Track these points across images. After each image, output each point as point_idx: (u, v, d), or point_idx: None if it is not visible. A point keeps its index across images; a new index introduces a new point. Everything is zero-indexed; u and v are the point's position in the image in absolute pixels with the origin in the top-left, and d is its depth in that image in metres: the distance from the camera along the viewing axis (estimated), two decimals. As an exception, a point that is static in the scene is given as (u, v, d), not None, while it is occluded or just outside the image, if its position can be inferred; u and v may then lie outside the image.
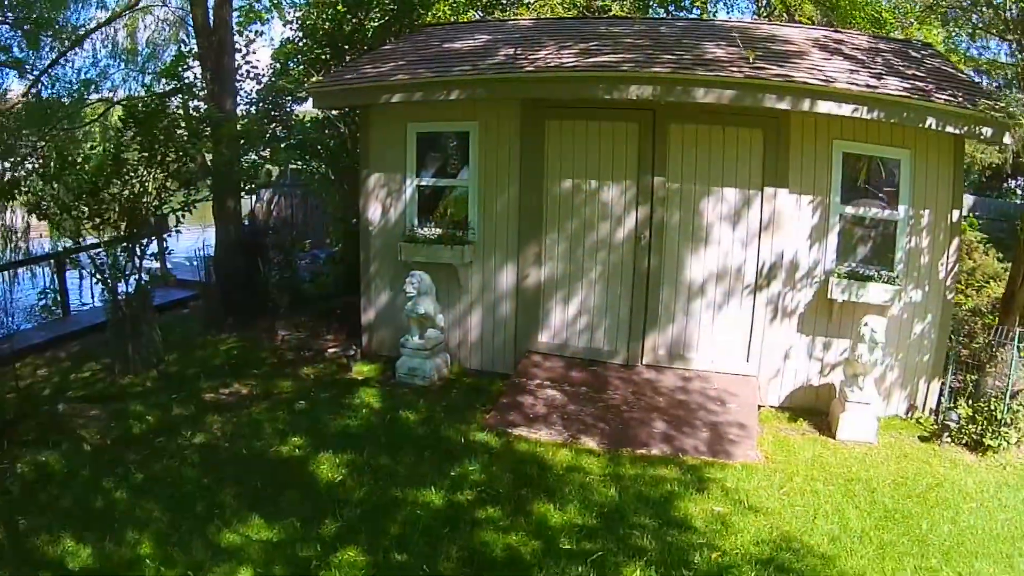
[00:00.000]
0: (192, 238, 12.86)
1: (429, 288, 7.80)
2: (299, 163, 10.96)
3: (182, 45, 10.27)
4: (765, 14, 14.26)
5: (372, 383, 8.00)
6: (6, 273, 12.62)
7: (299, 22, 11.25)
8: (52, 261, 11.85)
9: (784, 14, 13.25)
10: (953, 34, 12.59)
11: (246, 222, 11.89)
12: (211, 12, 10.18)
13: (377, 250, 8.73)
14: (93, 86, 12.20)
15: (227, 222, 10.40)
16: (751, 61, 7.16)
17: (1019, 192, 20.32)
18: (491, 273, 8.34)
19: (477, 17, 12.67)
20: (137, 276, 8.68)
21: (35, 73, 10.10)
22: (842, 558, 4.91)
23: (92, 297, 12.46)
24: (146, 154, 8.32)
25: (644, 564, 4.74)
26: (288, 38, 11.45)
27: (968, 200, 16.76)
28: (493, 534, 5.09)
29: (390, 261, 8.59)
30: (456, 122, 8.29)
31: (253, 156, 9.88)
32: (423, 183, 8.53)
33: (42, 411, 7.31)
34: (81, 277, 11.92)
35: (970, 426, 6.84)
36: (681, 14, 14.34)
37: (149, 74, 10.26)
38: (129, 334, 8.54)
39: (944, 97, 6.82)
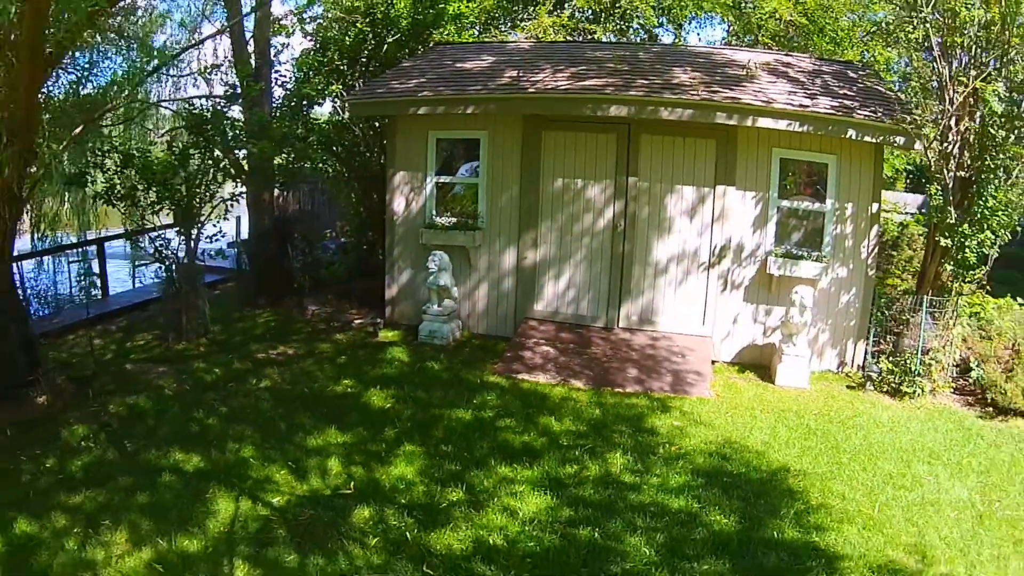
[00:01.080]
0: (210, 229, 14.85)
1: (447, 265, 9.92)
2: (321, 162, 12.93)
3: (250, 61, 12.09)
4: (736, 32, 16.44)
5: (398, 344, 10.08)
6: (48, 258, 14.57)
7: (319, 36, 13.21)
8: (95, 246, 13.86)
9: (752, 34, 15.42)
10: (893, 53, 14.82)
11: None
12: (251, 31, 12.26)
13: (400, 236, 10.83)
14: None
15: (262, 213, 12.45)
16: (747, 75, 9.42)
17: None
18: (496, 254, 10.46)
19: (476, 33, 14.77)
20: (190, 257, 10.69)
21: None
22: (771, 455, 7.03)
23: (132, 280, 14.48)
24: (201, 151, 10.36)
25: (622, 452, 6.87)
26: (307, 49, 13.37)
27: (917, 199, 19.12)
28: (511, 435, 7.21)
29: (412, 245, 10.69)
30: (469, 131, 10.41)
31: (287, 154, 11.74)
32: (441, 180, 10.65)
33: (112, 370, 9.29)
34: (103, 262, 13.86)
35: (890, 377, 8.94)
36: (659, 31, 16.57)
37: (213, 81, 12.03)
38: (183, 307, 10.56)
39: (865, 113, 9.00)
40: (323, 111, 13.67)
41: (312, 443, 7.06)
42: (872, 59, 14.55)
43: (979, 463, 7.05)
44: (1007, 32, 8.50)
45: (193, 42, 14.41)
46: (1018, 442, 7.62)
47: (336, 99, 12.78)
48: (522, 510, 5.85)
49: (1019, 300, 9.92)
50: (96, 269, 13.49)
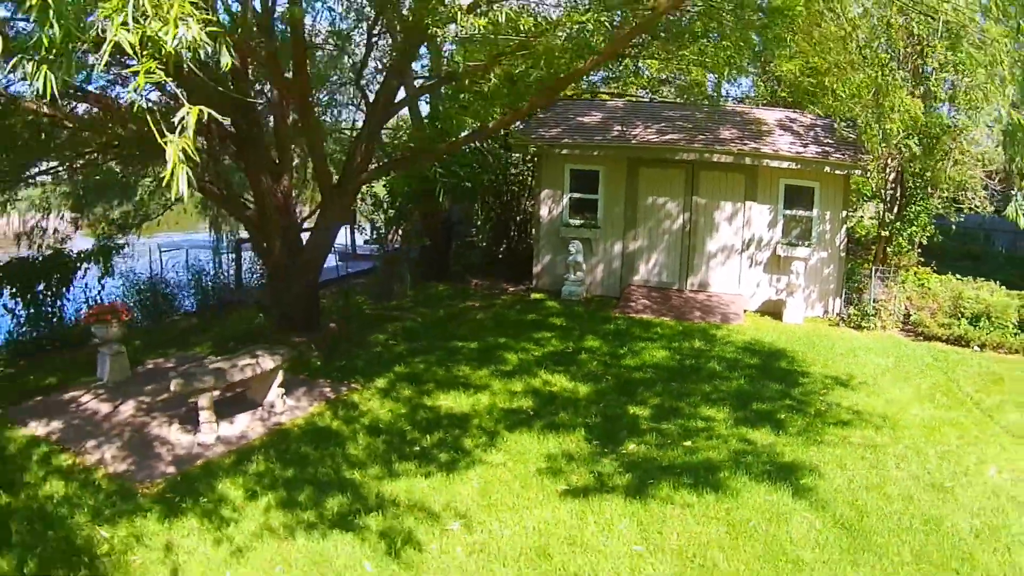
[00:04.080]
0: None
1: (580, 249, 17.80)
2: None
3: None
4: (759, 86, 24.38)
5: (547, 300, 17.92)
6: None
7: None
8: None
9: (769, 96, 23.38)
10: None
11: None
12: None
13: (544, 232, 18.77)
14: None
15: (433, 217, 20.47)
16: (766, 131, 17.44)
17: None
18: (608, 244, 18.37)
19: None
20: (405, 240, 18.65)
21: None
22: (777, 344, 14.72)
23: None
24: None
25: (698, 340, 14.74)
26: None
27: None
28: (639, 331, 15.09)
29: (552, 238, 18.61)
30: (592, 165, 18.33)
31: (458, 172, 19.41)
32: (573, 196, 18.63)
33: (356, 315, 17.11)
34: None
35: (855, 317, 16.69)
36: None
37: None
38: (392, 276, 18.50)
39: (837, 156, 16.86)
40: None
41: (535, 335, 14.93)
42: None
43: (898, 353, 14.69)
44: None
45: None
46: (927, 348, 15.24)
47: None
48: (655, 355, 13.74)
49: (956, 277, 17.62)
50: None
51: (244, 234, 19.72)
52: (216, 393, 10.97)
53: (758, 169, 17.39)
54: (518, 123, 18.71)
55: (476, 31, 10.07)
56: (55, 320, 16.96)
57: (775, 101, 22.04)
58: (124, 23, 4.37)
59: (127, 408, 12.33)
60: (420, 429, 10.58)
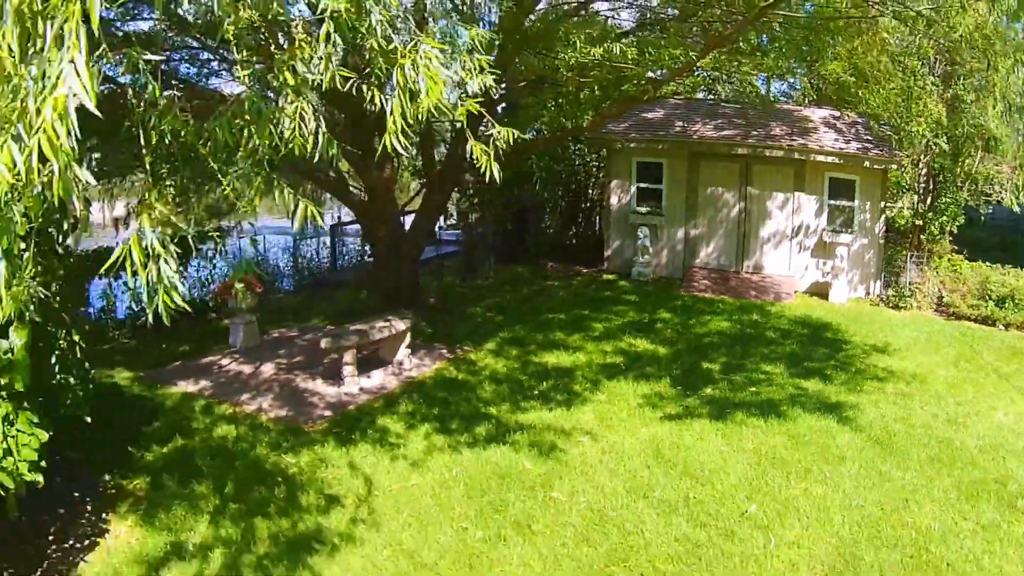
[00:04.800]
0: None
1: (647, 235, 20.72)
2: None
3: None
4: (806, 90, 27.05)
5: (618, 281, 20.89)
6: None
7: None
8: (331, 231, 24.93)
9: (815, 94, 26.05)
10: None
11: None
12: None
13: (613, 219, 21.71)
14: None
15: (517, 202, 23.37)
16: (812, 127, 20.22)
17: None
18: (672, 230, 21.26)
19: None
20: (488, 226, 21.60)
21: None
22: (824, 319, 17.48)
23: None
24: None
25: (756, 314, 17.62)
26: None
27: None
28: (703, 307, 18.01)
29: (621, 224, 21.53)
30: (656, 158, 21.23)
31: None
32: (640, 186, 21.52)
33: (450, 292, 20.09)
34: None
35: (893, 298, 19.52)
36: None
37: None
38: (476, 257, 21.46)
39: (876, 152, 19.62)
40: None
41: (614, 308, 17.89)
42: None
43: (930, 329, 17.40)
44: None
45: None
46: (956, 326, 17.86)
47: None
48: (720, 325, 16.63)
49: (986, 264, 20.24)
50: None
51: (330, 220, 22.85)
52: (356, 351, 13.75)
53: (806, 163, 20.13)
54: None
55: (593, 57, 13.04)
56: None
57: (820, 99, 24.72)
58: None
59: (267, 368, 14.97)
60: (534, 378, 13.52)
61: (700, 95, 24.99)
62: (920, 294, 19.19)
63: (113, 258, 4.45)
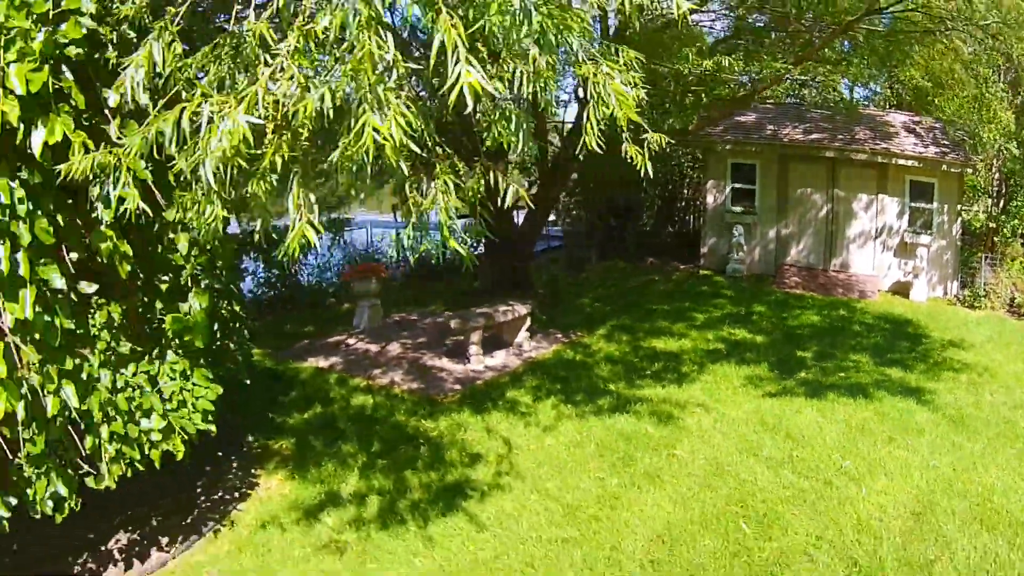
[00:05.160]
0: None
1: (742, 233, 22.57)
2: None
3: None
4: (886, 95, 28.59)
5: (713, 277, 22.77)
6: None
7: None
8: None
9: (895, 99, 27.61)
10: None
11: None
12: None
13: (709, 218, 23.61)
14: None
15: (619, 200, 25.33)
16: (893, 132, 21.94)
17: None
18: (764, 228, 23.08)
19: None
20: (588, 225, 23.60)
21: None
22: (905, 316, 19.14)
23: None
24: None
25: (843, 309, 19.41)
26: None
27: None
28: (794, 302, 19.87)
29: (716, 223, 23.41)
30: (750, 160, 23.08)
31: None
32: (734, 186, 23.36)
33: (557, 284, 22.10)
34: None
35: (968, 298, 21.11)
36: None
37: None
38: (579, 254, 23.47)
39: (952, 156, 21.11)
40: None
41: (713, 301, 19.83)
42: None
43: (1002, 328, 18.75)
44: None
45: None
46: None
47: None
48: (810, 319, 18.47)
49: None
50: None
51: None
52: (482, 332, 15.75)
53: (888, 166, 21.72)
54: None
55: (703, 69, 15.04)
56: (288, 282, 21.40)
57: (899, 104, 26.28)
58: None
59: (394, 347, 16.72)
60: (645, 361, 15.53)
61: (787, 99, 26.74)
62: (994, 295, 20.59)
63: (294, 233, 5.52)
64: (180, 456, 8.38)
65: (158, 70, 5.94)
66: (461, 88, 4.72)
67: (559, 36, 5.47)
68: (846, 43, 18.86)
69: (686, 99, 18.49)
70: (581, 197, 25.05)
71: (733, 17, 20.18)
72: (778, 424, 11.96)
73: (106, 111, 7.28)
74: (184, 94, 5.96)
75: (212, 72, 6.06)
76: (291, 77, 5.46)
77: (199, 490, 11.21)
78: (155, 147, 5.80)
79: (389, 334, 17.92)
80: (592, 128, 5.89)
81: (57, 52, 6.82)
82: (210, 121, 5.29)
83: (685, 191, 27.50)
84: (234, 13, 6.66)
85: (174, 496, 10.81)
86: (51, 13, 6.76)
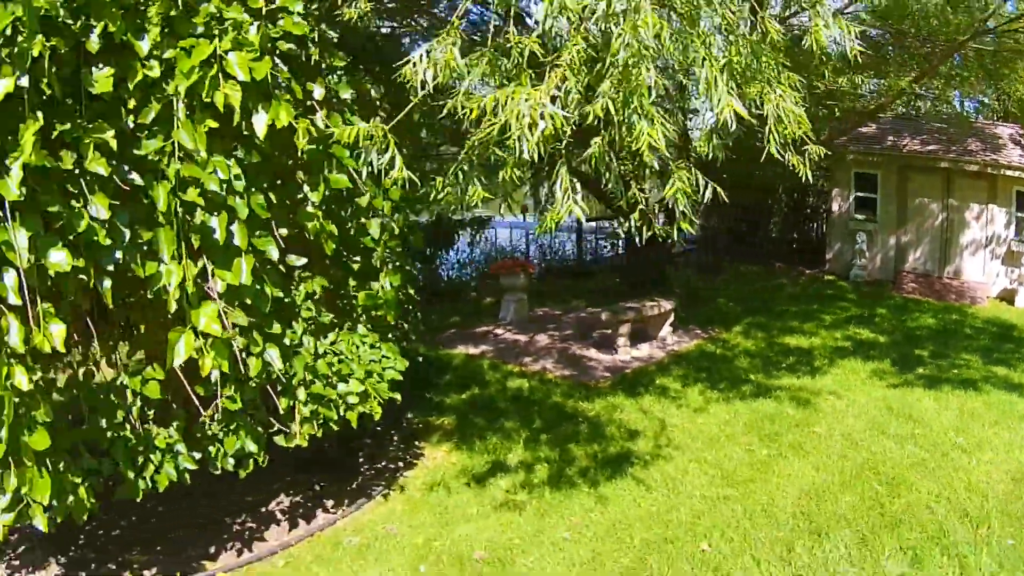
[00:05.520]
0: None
1: (864, 240, 24.76)
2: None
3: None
4: (994, 107, 30.25)
5: (837, 281, 24.99)
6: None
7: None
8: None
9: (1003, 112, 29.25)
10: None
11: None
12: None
13: (834, 225, 25.91)
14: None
15: (745, 208, 27.66)
16: (1001, 144, 23.94)
17: None
18: (884, 236, 25.19)
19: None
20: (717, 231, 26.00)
21: None
22: (1011, 321, 21.12)
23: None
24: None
25: (953, 315, 21.56)
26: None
27: None
28: (912, 306, 22.15)
29: (840, 230, 25.68)
30: (871, 169, 25.19)
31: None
32: (857, 195, 25.51)
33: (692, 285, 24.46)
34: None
35: None
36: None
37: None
38: (713, 254, 25.90)
39: None
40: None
41: (838, 304, 22.13)
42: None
43: None
44: None
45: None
46: None
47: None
48: (927, 321, 20.58)
49: None
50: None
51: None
52: (630, 325, 17.85)
53: (997, 177, 23.34)
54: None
55: (839, 86, 17.35)
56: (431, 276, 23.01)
57: (1006, 116, 27.89)
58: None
59: (541, 338, 18.37)
60: (780, 355, 17.84)
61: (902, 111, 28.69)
62: (1096, 304, 22.24)
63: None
64: (378, 416, 9.11)
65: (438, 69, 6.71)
66: (723, 111, 6.29)
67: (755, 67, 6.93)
68: (957, 56, 20.79)
69: (819, 112, 20.60)
70: (713, 203, 27.35)
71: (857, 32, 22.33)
72: (901, 409, 14.15)
73: (310, 102, 7.96)
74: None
75: (474, 74, 6.99)
76: (569, 86, 6.51)
77: (361, 459, 12.18)
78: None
79: (534, 327, 19.52)
80: (774, 140, 6.93)
81: (269, 45, 7.32)
82: (520, 105, 6.16)
83: (810, 199, 29.56)
84: (491, 27, 7.37)
85: (335, 465, 11.74)
86: (264, 9, 7.36)
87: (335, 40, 9.06)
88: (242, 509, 10.62)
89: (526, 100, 6.18)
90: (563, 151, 7.10)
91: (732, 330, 19.93)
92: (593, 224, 31.20)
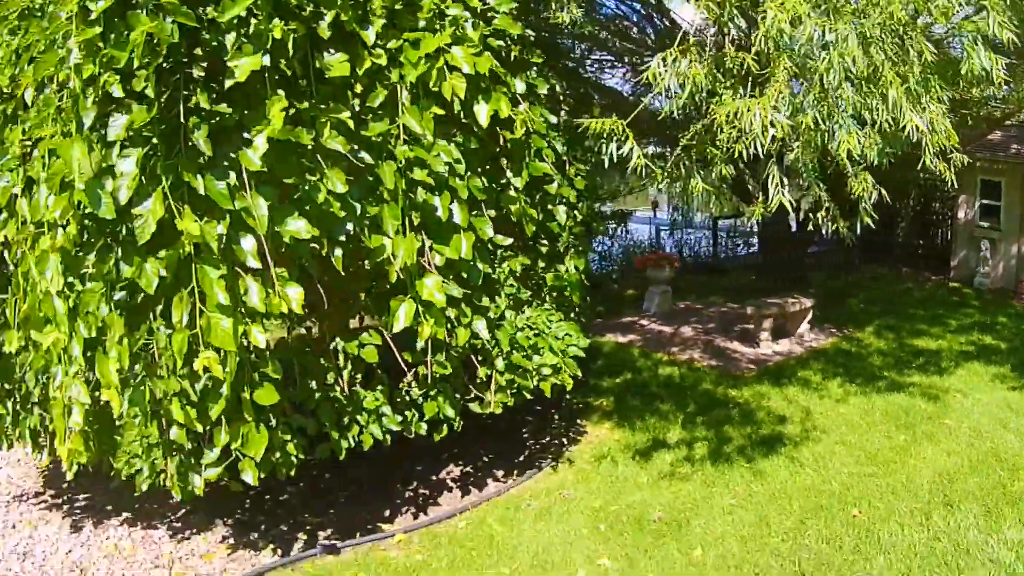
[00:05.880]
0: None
1: (988, 247, 26.22)
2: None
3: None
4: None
5: (961, 289, 26.49)
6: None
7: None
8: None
9: None
10: None
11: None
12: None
13: (959, 232, 27.30)
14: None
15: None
16: None
17: None
18: (1007, 244, 26.25)
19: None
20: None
21: None
22: None
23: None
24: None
25: None
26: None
27: None
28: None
29: (965, 237, 27.09)
30: (995, 176, 26.40)
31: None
32: (982, 202, 26.98)
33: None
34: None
35: None
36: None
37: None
38: (845, 256, 27.73)
39: None
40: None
41: (963, 310, 23.78)
42: None
43: None
44: None
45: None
46: None
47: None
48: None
49: None
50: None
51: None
52: (772, 320, 18.81)
53: None
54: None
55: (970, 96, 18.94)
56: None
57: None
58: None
59: (686, 330, 19.56)
60: (910, 355, 19.56)
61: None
62: None
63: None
64: (569, 387, 9.89)
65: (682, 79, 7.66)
66: (907, 125, 7.62)
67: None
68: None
69: (954, 120, 22.09)
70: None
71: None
72: (1020, 408, 15.95)
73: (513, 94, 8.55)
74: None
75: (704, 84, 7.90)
76: (784, 98, 7.53)
77: (525, 435, 13.13)
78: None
79: (678, 319, 20.62)
80: (928, 151, 7.89)
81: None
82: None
83: (935, 204, 30.88)
84: (710, 41, 8.42)
85: (503, 438, 12.63)
86: (479, 9, 7.86)
87: (532, 39, 9.75)
88: (412, 478, 11.58)
89: (760, 109, 7.36)
90: (772, 152, 8.12)
91: (865, 330, 21.71)
92: (727, 223, 33.23)
